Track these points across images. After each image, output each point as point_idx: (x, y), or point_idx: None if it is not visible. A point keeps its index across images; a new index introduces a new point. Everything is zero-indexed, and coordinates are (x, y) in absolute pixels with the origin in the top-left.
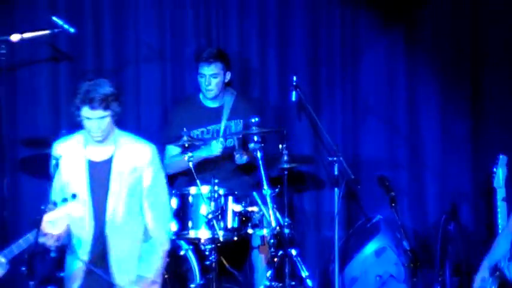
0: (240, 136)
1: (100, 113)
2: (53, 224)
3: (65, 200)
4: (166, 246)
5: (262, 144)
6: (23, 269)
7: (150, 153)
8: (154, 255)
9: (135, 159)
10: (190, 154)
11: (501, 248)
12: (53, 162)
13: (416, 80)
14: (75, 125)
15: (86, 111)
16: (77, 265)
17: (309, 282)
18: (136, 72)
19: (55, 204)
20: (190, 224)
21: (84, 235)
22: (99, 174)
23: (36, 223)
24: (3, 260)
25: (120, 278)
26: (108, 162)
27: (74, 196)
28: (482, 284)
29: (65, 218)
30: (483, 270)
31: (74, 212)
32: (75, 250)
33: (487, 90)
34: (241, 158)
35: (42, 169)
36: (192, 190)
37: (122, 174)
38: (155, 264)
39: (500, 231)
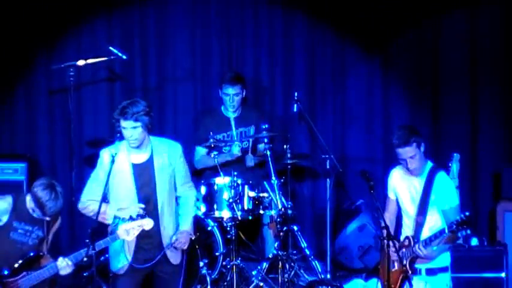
0: (252, 139)
1: (131, 123)
2: (127, 232)
3: (140, 216)
4: (195, 193)
5: (271, 145)
6: (87, 240)
7: (180, 148)
8: (188, 207)
9: (169, 156)
10: (215, 153)
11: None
12: (110, 158)
13: (389, 95)
14: None
15: (122, 122)
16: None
17: (307, 251)
18: (174, 89)
19: (131, 218)
20: (215, 206)
21: (149, 222)
22: (144, 175)
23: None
24: (70, 262)
25: (165, 241)
26: (149, 163)
27: (144, 215)
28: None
29: (138, 229)
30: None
31: (146, 226)
32: None
33: (444, 104)
34: (249, 162)
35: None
36: (217, 180)
37: (162, 170)
38: (190, 215)
39: None
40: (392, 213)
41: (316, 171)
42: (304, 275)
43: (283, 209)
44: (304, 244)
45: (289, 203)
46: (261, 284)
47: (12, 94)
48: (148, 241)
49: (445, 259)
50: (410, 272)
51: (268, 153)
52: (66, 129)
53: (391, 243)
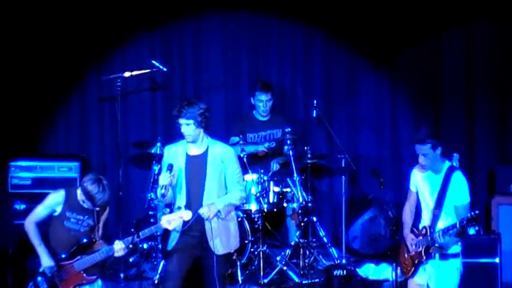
0: (278, 140)
1: (185, 121)
2: (169, 222)
3: (179, 208)
4: (243, 194)
5: (293, 146)
6: (132, 230)
7: (233, 152)
8: (230, 194)
9: (222, 155)
10: (245, 152)
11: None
12: (166, 154)
13: (396, 103)
14: (168, 133)
15: (178, 120)
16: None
17: (324, 239)
18: (208, 97)
19: (171, 210)
20: (244, 200)
21: (188, 214)
22: (196, 164)
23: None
24: (123, 245)
25: (208, 227)
26: (203, 156)
27: (186, 207)
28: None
29: (178, 220)
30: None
31: (185, 217)
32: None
33: (444, 110)
34: (274, 168)
35: (143, 163)
36: (246, 177)
37: (214, 164)
38: (227, 199)
39: None
40: (412, 204)
41: (332, 169)
42: (322, 260)
43: (304, 202)
44: (322, 233)
45: (309, 197)
46: (285, 268)
47: (67, 102)
48: (196, 227)
49: (456, 246)
50: (424, 257)
51: (291, 153)
52: (114, 133)
53: (407, 230)
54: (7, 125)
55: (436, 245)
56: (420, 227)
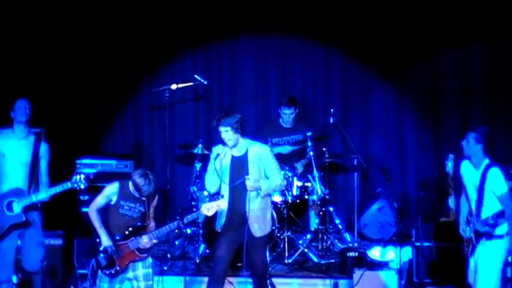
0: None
1: (223, 128)
2: (208, 209)
3: (222, 196)
4: (282, 182)
5: (313, 147)
6: (177, 217)
7: (268, 149)
8: (271, 179)
9: (259, 153)
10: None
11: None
12: (214, 155)
13: (401, 111)
14: (208, 136)
15: (219, 128)
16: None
17: (339, 226)
18: (242, 107)
19: (211, 198)
20: (284, 187)
21: (225, 210)
22: (240, 165)
23: (181, 217)
24: (155, 241)
25: (249, 215)
26: (244, 156)
27: (222, 196)
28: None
29: (215, 207)
30: (461, 221)
31: (222, 206)
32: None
33: (442, 119)
34: (299, 169)
35: (187, 161)
36: None
37: (254, 162)
38: (268, 181)
39: (452, 196)
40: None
41: (346, 167)
42: (337, 244)
43: (322, 195)
44: (337, 221)
45: (327, 190)
46: (306, 250)
47: (123, 109)
48: (239, 213)
49: (501, 228)
50: (474, 241)
51: (311, 153)
52: (163, 136)
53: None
54: (75, 130)
55: (483, 229)
56: (467, 216)
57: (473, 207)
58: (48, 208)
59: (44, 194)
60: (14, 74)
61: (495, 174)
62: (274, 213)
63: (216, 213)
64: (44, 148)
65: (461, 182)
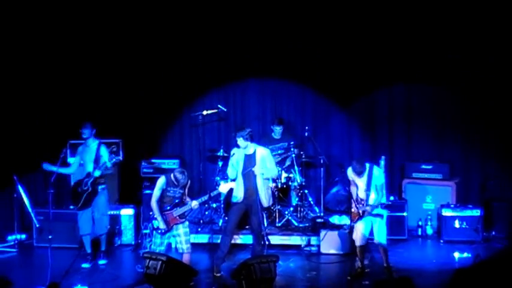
0: (285, 149)
1: (238, 138)
2: (223, 188)
3: (232, 179)
4: (277, 173)
5: (294, 151)
6: (208, 192)
7: (269, 151)
8: (270, 169)
9: (263, 153)
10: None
11: None
12: (232, 154)
13: (351, 128)
14: (226, 145)
15: (236, 138)
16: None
17: (311, 202)
18: (248, 125)
19: (225, 180)
20: (276, 176)
21: (240, 188)
22: (250, 160)
23: (210, 194)
24: (197, 203)
25: (260, 192)
26: (253, 155)
27: (234, 180)
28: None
29: (229, 186)
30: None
31: (232, 186)
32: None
33: (377, 134)
34: (284, 166)
35: (213, 160)
36: None
37: (261, 159)
38: (268, 169)
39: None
40: (354, 187)
41: (316, 164)
42: (310, 214)
43: (300, 182)
44: (310, 199)
45: (303, 179)
46: (289, 217)
47: (173, 127)
48: (252, 189)
49: (381, 211)
50: (361, 214)
51: (293, 155)
52: (197, 144)
53: (353, 201)
54: (142, 140)
55: (367, 208)
56: (359, 199)
57: (362, 194)
58: (126, 190)
59: (97, 171)
60: (100, 99)
61: (377, 171)
62: (270, 194)
63: (231, 192)
64: (103, 149)
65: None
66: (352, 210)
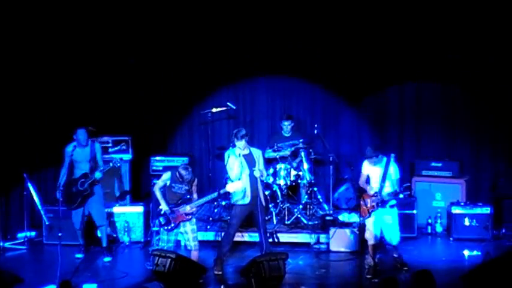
0: (295, 146)
1: (238, 140)
2: (229, 187)
3: (238, 179)
4: (265, 173)
5: (304, 149)
6: (217, 190)
7: (260, 152)
8: (263, 170)
9: (257, 153)
10: (279, 154)
11: None
12: (228, 156)
13: (361, 125)
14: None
15: (241, 140)
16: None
17: (320, 200)
18: (258, 123)
19: (231, 180)
20: (277, 178)
21: (246, 183)
22: (249, 160)
23: (219, 192)
24: (194, 209)
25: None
26: (250, 154)
27: (239, 179)
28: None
29: (236, 186)
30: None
31: (241, 185)
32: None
33: (388, 132)
34: (293, 164)
35: (222, 158)
36: (278, 165)
37: (257, 158)
38: (262, 170)
39: None
40: (364, 180)
41: (325, 161)
42: (319, 211)
43: (309, 180)
44: (319, 196)
45: (312, 177)
46: (299, 215)
47: (182, 125)
48: (255, 191)
49: (392, 201)
50: (370, 209)
51: (303, 153)
52: (206, 141)
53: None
54: (151, 137)
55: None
56: (372, 192)
57: (377, 186)
58: (135, 188)
59: (99, 173)
60: (114, 100)
61: (393, 166)
62: (279, 192)
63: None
64: (97, 147)
65: (364, 174)
66: (361, 206)
